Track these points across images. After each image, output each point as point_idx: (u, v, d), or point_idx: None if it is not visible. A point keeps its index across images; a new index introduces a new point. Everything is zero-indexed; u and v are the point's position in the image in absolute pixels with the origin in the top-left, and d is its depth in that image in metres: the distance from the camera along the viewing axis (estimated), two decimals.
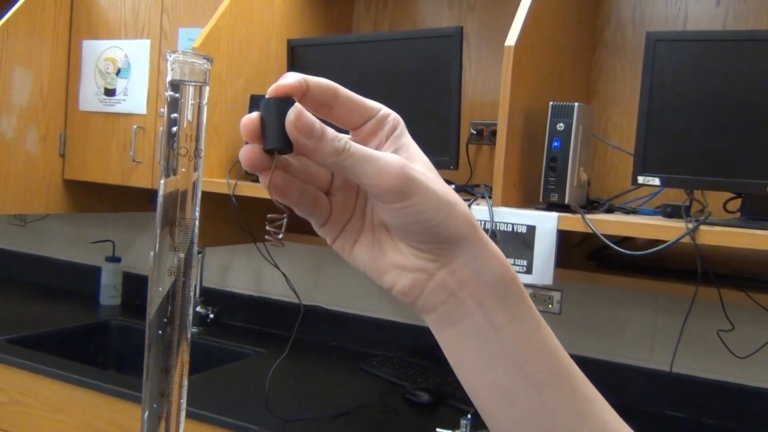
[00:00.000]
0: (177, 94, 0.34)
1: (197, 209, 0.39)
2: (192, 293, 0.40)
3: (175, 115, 0.35)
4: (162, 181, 0.37)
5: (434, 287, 0.41)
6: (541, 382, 0.41)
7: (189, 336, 0.39)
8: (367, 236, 0.43)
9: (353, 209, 0.44)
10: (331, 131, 0.39)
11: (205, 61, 0.35)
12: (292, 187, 0.41)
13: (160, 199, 0.37)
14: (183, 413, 0.39)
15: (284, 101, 0.38)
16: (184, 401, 0.39)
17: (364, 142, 0.42)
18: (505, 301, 0.41)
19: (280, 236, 0.42)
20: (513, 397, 0.42)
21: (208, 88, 0.36)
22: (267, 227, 0.42)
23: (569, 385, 0.42)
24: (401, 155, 0.41)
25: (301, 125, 0.38)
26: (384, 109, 0.43)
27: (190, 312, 0.40)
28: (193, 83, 0.35)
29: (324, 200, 0.43)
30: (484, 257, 0.41)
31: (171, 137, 0.35)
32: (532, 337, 0.42)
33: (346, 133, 0.43)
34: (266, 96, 0.39)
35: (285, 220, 0.41)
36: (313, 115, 0.39)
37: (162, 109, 2.05)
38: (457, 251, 0.41)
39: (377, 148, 0.42)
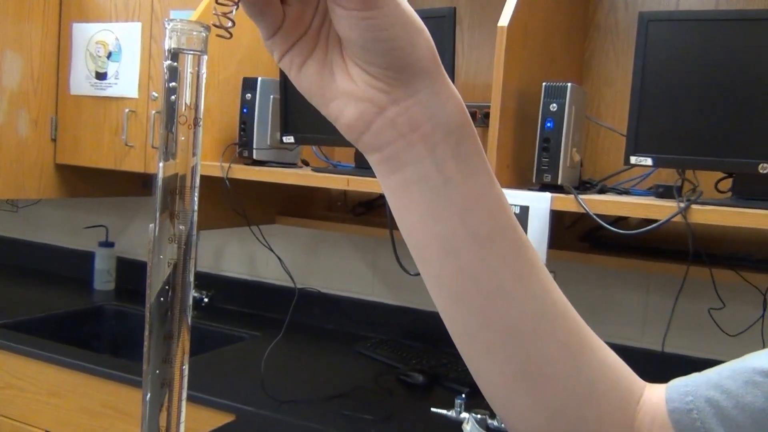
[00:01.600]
0: (175, 63, 0.34)
1: (196, 194, 0.39)
2: (192, 280, 0.39)
3: (174, 84, 0.35)
4: (161, 164, 0.37)
5: (383, 124, 0.39)
6: (484, 236, 0.40)
7: (189, 323, 0.39)
8: (318, 57, 0.39)
9: (308, 25, 0.39)
10: None
11: (203, 29, 0.35)
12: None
13: (159, 183, 0.37)
14: (183, 402, 0.40)
15: None
16: (185, 390, 0.40)
17: None
18: (457, 149, 0.39)
19: (229, 25, 0.37)
20: (454, 249, 0.40)
21: (206, 57, 0.36)
22: (215, 11, 0.37)
23: (513, 244, 0.41)
24: None
25: None
26: None
27: (191, 299, 0.40)
28: (191, 52, 0.35)
29: (277, 4, 0.38)
30: (442, 97, 0.39)
31: (170, 105, 0.35)
32: (481, 190, 0.40)
33: None
34: None
35: (235, 8, 0.36)
36: None
37: (154, 93, 2.04)
38: (413, 85, 0.38)
39: None
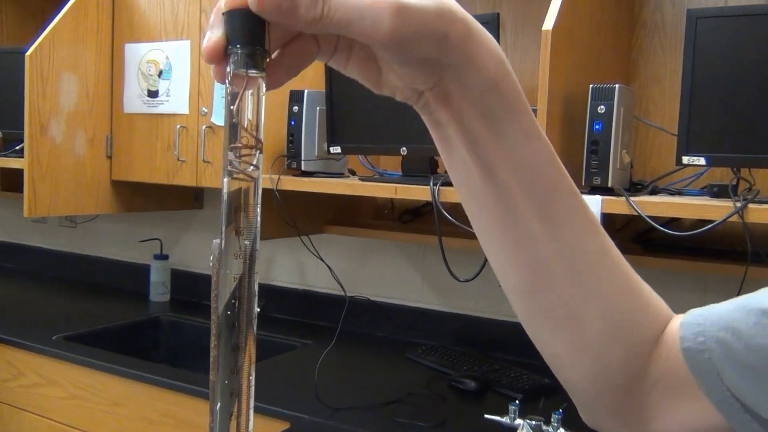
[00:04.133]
0: (235, 86, 0.36)
1: (259, 209, 0.40)
2: (256, 292, 0.40)
3: (235, 105, 0.36)
4: (225, 180, 0.38)
5: (424, 101, 0.43)
6: (514, 189, 0.43)
7: (255, 334, 0.41)
8: (358, 56, 0.42)
9: (338, 39, 0.41)
10: None
11: (265, 52, 0.36)
12: (282, 78, 0.40)
13: (224, 198, 0.38)
14: (251, 411, 0.41)
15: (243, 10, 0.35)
16: (252, 399, 0.41)
17: None
18: (487, 113, 0.42)
19: (251, 169, 0.37)
20: (483, 202, 0.45)
21: (265, 77, 0.38)
22: (232, 159, 0.37)
23: (545, 194, 0.44)
24: None
25: (267, 8, 0.34)
26: None
27: (256, 311, 0.41)
28: (253, 73, 0.36)
29: (311, 48, 0.40)
30: (469, 75, 0.41)
31: (233, 126, 0.37)
32: (511, 147, 0.43)
33: None
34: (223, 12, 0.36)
35: (259, 152, 0.37)
36: None
37: (204, 109, 2.09)
38: (445, 73, 0.41)
39: None
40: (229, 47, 0.35)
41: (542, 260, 0.45)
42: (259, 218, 0.40)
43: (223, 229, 0.39)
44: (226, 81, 0.36)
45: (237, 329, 0.40)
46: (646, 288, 0.50)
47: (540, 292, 0.46)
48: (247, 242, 0.39)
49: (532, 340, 0.50)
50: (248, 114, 0.37)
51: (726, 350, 0.46)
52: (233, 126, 0.37)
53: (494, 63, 0.41)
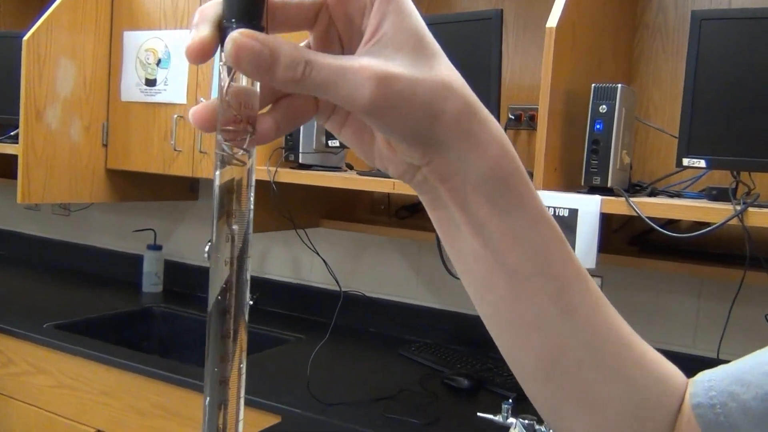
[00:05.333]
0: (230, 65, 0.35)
1: (252, 193, 0.39)
2: (248, 279, 0.40)
3: (232, 84, 0.35)
4: (218, 173, 0.37)
5: (420, 178, 0.40)
6: (522, 275, 0.40)
7: (247, 322, 0.40)
8: (352, 125, 0.40)
9: (333, 108, 0.40)
10: (285, 55, 0.33)
11: (262, 29, 0.35)
12: (270, 134, 0.38)
13: (216, 189, 0.37)
14: (242, 400, 0.40)
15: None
16: (242, 388, 0.40)
17: (347, 23, 0.37)
18: (491, 197, 0.39)
19: (240, 153, 0.36)
20: (490, 284, 0.41)
21: None
22: (222, 139, 0.36)
23: (557, 279, 0.41)
24: (390, 19, 0.35)
25: (244, 63, 0.33)
26: None
27: (247, 298, 0.40)
28: None
29: (308, 107, 0.39)
30: (473, 154, 0.38)
31: (226, 108, 0.35)
32: (518, 232, 0.40)
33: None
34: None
35: (249, 135, 0.36)
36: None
37: (202, 99, 2.07)
38: (443, 148, 0.38)
39: (362, 22, 0.36)
40: (224, 22, 0.34)
41: (559, 342, 0.42)
42: (252, 203, 0.39)
43: (216, 219, 0.38)
44: (219, 63, 0.35)
45: (228, 316, 0.39)
46: (659, 357, 0.47)
47: (558, 376, 0.43)
48: (236, 227, 0.38)
49: (549, 426, 0.48)
50: (240, 97, 0.35)
51: (738, 403, 0.44)
52: (224, 106, 0.35)
53: (497, 146, 0.38)
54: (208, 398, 0.39)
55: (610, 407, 0.43)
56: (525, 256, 0.40)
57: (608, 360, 0.43)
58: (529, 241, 0.40)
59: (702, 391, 0.46)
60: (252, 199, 0.39)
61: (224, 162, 0.37)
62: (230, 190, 0.37)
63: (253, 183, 0.39)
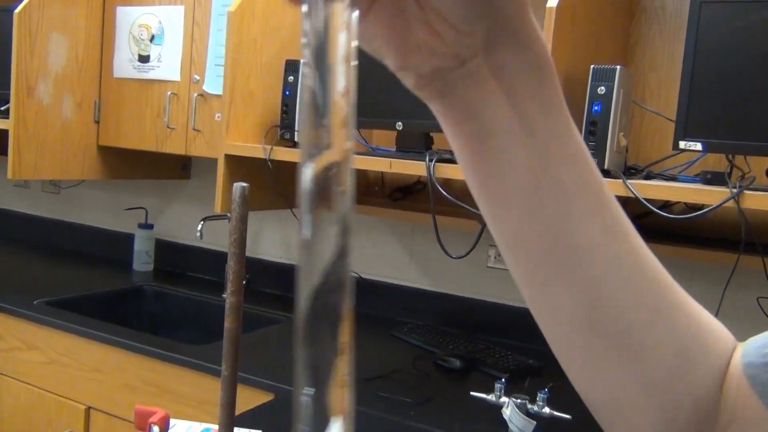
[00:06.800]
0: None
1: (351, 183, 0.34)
2: (351, 274, 0.35)
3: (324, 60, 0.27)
4: (309, 163, 0.32)
5: (462, 73, 0.34)
6: (569, 187, 0.37)
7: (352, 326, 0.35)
8: (385, 2, 0.33)
9: None
10: None
11: None
12: None
13: (309, 176, 0.32)
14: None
15: None
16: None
17: None
18: (539, 91, 0.35)
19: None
20: (537, 202, 0.37)
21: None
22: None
23: (598, 199, 0.38)
24: None
25: None
26: None
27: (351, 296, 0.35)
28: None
29: None
30: (527, 40, 0.35)
31: (324, 89, 0.29)
32: (564, 135, 0.36)
33: None
34: None
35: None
36: None
37: (196, 76, 2.05)
38: (500, 33, 0.34)
39: None
40: None
41: (602, 275, 0.38)
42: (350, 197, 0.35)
43: (308, 206, 0.33)
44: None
45: (339, 312, 0.34)
46: (703, 310, 0.43)
47: (599, 320, 0.39)
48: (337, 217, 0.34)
49: (585, 392, 0.43)
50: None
51: None
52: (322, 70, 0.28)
53: (542, 40, 0.36)
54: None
55: (651, 355, 0.40)
56: (571, 164, 0.37)
57: (650, 299, 0.40)
58: (574, 147, 0.37)
59: (754, 350, 0.42)
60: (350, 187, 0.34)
61: (319, 148, 0.31)
62: (330, 175, 0.32)
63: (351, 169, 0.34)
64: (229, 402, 0.39)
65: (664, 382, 0.40)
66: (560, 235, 0.38)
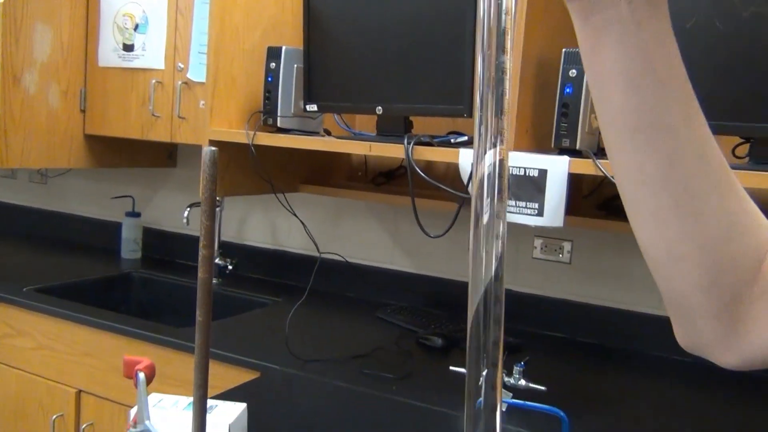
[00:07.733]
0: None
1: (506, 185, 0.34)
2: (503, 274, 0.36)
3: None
4: (490, 152, 0.30)
5: None
6: (663, 76, 0.46)
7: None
8: None
9: None
10: None
11: None
12: None
13: (485, 174, 0.31)
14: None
15: None
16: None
17: None
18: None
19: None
20: (637, 84, 0.47)
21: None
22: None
23: (685, 89, 0.47)
24: None
25: None
26: None
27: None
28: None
29: None
30: None
31: (499, 81, 0.29)
32: (664, 33, 0.46)
33: None
34: None
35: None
36: None
37: (180, 65, 2.08)
38: None
39: None
40: None
41: (679, 150, 0.48)
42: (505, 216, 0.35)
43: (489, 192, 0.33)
44: None
45: (497, 311, 0.37)
46: (752, 201, 0.52)
47: (672, 182, 0.48)
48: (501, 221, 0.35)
49: (647, 245, 0.52)
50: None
51: None
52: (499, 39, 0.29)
53: None
54: (481, 401, 0.38)
55: (710, 219, 0.49)
56: (667, 58, 0.47)
57: (713, 174, 0.48)
58: (670, 44, 0.47)
59: None
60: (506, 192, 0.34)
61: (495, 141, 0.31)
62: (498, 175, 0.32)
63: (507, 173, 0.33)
64: (204, 344, 0.43)
65: (717, 242, 0.49)
66: (650, 114, 0.48)
